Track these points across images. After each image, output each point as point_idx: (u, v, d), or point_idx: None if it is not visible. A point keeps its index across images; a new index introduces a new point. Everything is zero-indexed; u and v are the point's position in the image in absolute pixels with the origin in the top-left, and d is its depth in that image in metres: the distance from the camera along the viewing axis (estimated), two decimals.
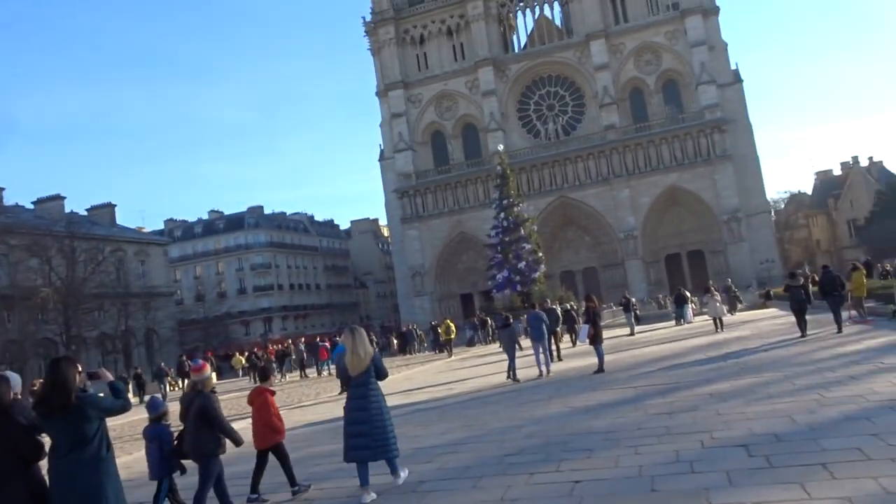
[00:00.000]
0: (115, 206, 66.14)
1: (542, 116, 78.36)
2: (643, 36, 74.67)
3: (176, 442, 7.35)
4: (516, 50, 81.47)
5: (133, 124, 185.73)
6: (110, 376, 5.05)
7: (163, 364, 39.90)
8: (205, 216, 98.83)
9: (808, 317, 18.82)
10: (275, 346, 40.57)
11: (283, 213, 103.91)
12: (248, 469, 8.30)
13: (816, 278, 28.38)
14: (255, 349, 42.80)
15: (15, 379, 5.77)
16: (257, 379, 8.80)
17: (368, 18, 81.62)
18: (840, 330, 17.86)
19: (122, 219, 68.02)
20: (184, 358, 37.81)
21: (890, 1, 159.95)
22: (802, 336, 17.95)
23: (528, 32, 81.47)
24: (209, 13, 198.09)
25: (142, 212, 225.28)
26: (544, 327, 17.73)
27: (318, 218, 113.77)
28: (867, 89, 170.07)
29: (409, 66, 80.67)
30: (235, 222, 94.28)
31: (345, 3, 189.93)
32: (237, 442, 7.14)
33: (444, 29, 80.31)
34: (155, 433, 7.50)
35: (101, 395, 4.99)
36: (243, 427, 9.19)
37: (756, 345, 18.18)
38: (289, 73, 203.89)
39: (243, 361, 43.88)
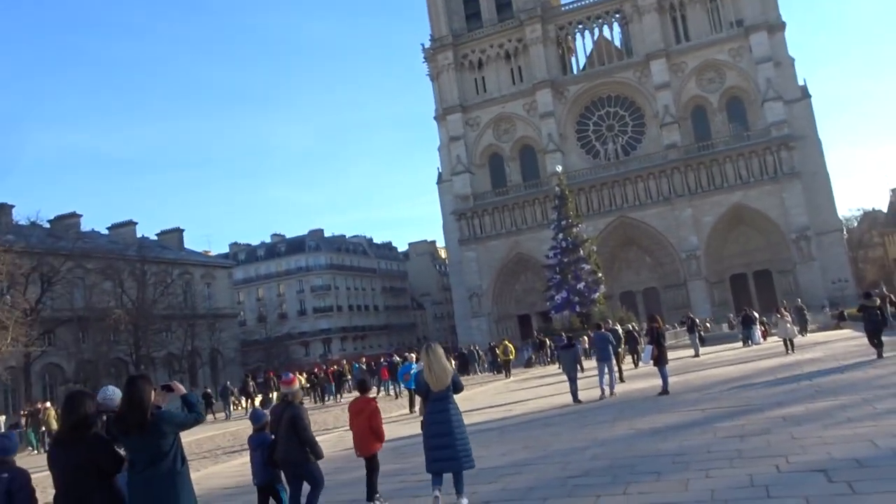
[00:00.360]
0: (184, 230, 68.56)
1: (602, 137, 77.64)
2: (705, 54, 73.38)
3: (269, 451, 7.65)
4: (575, 71, 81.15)
5: (201, 153, 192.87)
6: (184, 389, 5.18)
7: (228, 383, 40.82)
8: (267, 239, 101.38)
9: (885, 338, 18.05)
10: (332, 367, 40.94)
11: (343, 236, 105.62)
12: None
13: (894, 298, 27.21)
14: (316, 369, 43.30)
15: (116, 394, 5.98)
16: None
17: (427, 45, 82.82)
18: None
19: (189, 243, 70.42)
20: (248, 378, 38.59)
21: None
22: (879, 357, 17.18)
23: (587, 54, 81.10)
24: (272, 45, 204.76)
25: (208, 236, 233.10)
26: (611, 348, 17.50)
27: (377, 240, 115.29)
28: None
29: (467, 89, 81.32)
30: (296, 245, 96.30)
31: (404, 29, 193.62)
32: (318, 455, 7.43)
33: (502, 53, 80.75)
34: (258, 441, 7.84)
35: (175, 409, 5.11)
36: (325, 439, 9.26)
37: (831, 367, 17.40)
38: (348, 99, 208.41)
39: (303, 381, 44.45)
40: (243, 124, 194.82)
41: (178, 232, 68.09)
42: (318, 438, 7.91)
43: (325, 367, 44.28)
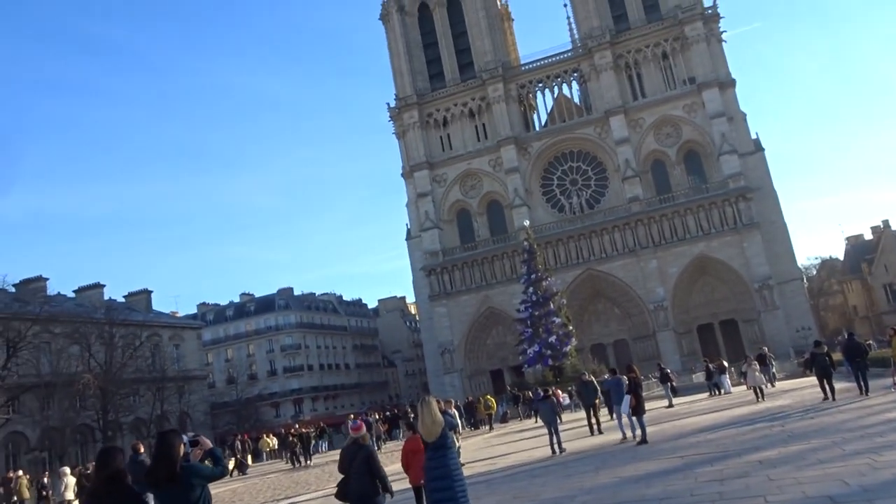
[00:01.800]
0: (152, 292, 67.79)
1: (566, 191, 79.48)
2: (662, 110, 76.23)
3: (337, 490, 8.59)
4: (537, 128, 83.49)
5: (167, 214, 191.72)
6: (210, 443, 5.48)
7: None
8: (236, 299, 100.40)
9: (845, 384, 19.27)
10: (301, 429, 39.46)
11: (313, 294, 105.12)
12: None
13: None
14: (291, 430, 42.55)
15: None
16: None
17: (393, 104, 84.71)
18: (864, 393, 18.77)
19: (157, 304, 69.50)
20: (235, 438, 37.63)
21: None
22: (828, 399, 19.01)
23: (549, 111, 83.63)
24: (237, 105, 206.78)
25: (176, 297, 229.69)
26: (623, 390, 18.08)
27: (347, 298, 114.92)
28: (890, 155, 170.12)
29: (433, 147, 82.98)
30: (266, 304, 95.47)
31: (368, 89, 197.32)
32: (389, 490, 8.40)
33: (466, 111, 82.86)
34: None
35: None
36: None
37: (800, 412, 18.03)
38: (315, 157, 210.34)
39: (270, 444, 43.51)
40: (208, 184, 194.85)
41: (146, 294, 67.29)
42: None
43: (296, 427, 43.60)
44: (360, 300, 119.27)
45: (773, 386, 31.73)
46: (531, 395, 39.02)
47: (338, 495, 8.63)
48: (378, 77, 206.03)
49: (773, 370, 37.22)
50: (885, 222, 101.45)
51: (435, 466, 7.88)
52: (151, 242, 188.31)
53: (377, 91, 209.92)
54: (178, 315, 79.23)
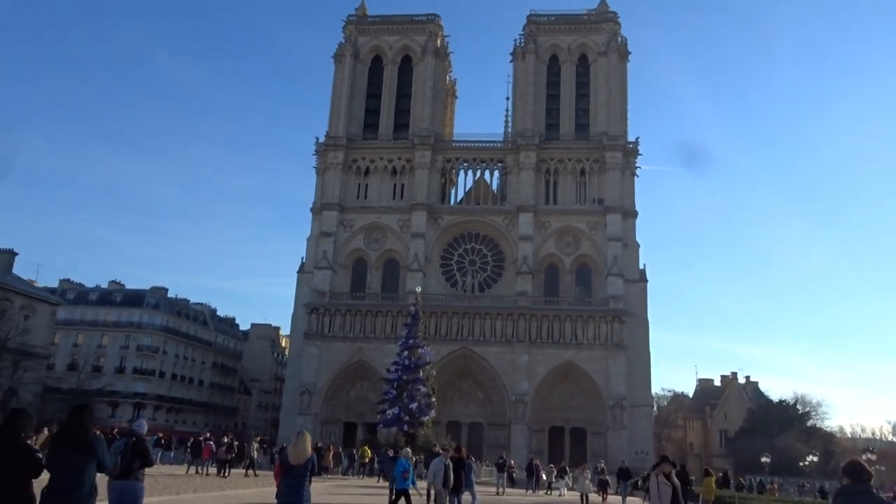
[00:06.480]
0: (17, 254, 63.78)
1: (463, 269, 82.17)
2: (568, 220, 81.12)
3: None
4: (452, 202, 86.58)
5: (50, 171, 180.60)
6: None
7: None
8: (104, 284, 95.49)
9: None
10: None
11: (186, 301, 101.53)
12: None
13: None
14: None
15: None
16: None
17: (321, 139, 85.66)
18: None
19: (17, 269, 65.11)
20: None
21: (783, 247, 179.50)
22: None
23: (466, 190, 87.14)
24: (141, 81, 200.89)
25: (38, 265, 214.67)
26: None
27: (221, 313, 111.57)
28: (754, 318, 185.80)
29: (348, 191, 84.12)
30: (135, 298, 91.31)
31: (301, 120, 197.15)
32: None
33: (389, 167, 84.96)
34: None
35: None
36: None
37: None
38: (222, 163, 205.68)
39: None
40: (99, 153, 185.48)
41: (10, 254, 63.22)
42: None
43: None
44: (233, 319, 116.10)
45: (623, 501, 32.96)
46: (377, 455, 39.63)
47: None
48: (314, 108, 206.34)
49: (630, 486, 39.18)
50: (734, 374, 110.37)
51: (289, 492, 8.76)
52: (27, 201, 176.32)
53: (305, 120, 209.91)
54: (35, 284, 74.56)
